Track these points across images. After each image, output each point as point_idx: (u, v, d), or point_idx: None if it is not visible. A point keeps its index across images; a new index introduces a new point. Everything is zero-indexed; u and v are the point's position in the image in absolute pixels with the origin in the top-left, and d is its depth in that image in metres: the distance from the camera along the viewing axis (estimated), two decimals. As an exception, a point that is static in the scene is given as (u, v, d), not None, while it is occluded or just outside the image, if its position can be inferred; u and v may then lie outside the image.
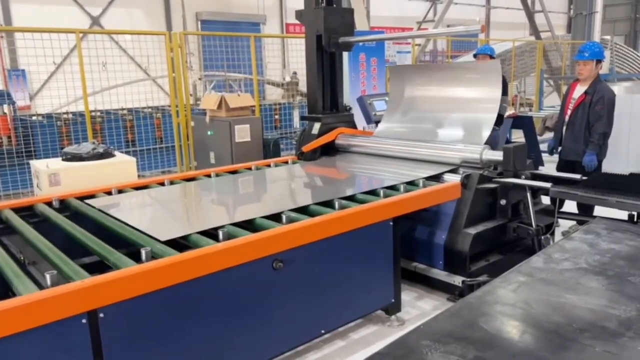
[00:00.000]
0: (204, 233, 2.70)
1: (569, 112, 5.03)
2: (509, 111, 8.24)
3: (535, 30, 15.46)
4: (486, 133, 4.20)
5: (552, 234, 3.95)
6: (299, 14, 5.12)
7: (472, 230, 3.78)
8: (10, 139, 7.00)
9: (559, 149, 5.19)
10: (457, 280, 3.73)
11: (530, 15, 15.45)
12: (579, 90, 4.99)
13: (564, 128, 5.08)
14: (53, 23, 9.72)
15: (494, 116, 4.28)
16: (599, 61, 4.90)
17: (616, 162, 6.94)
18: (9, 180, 6.65)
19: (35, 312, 1.96)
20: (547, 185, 3.67)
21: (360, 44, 6.65)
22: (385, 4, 17.11)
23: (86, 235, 2.75)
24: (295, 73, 11.47)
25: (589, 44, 5.08)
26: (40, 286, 2.15)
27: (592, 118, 4.80)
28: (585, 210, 4.66)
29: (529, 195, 3.83)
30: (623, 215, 3.21)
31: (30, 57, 6.78)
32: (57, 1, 11.90)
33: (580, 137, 4.89)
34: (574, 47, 15.11)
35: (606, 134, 4.84)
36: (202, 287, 2.45)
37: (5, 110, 7.11)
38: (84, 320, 2.09)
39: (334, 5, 5.02)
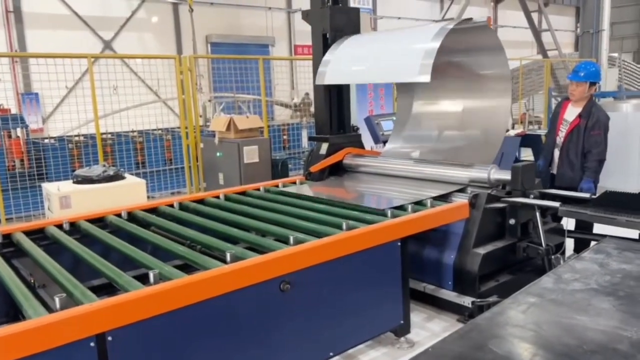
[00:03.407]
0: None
1: (560, 133, 4.71)
2: (518, 129, 8.23)
3: (542, 49, 15.51)
4: (494, 152, 4.20)
5: (563, 253, 3.91)
6: (305, 14, 5.14)
7: (482, 250, 3.75)
8: (23, 162, 7.10)
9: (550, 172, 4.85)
10: (467, 301, 3.69)
11: (537, 34, 15.51)
12: (572, 111, 4.66)
13: (556, 151, 4.76)
14: (66, 47, 9.95)
15: (501, 137, 4.29)
16: (592, 83, 4.56)
17: (626, 180, 6.90)
18: (21, 202, 6.73)
19: (44, 336, 1.97)
20: (556, 204, 3.65)
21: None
22: (392, 25, 17.29)
23: (95, 258, 2.77)
24: (307, 94, 11.57)
25: (585, 63, 4.73)
26: (50, 309, 2.17)
27: (589, 144, 4.50)
28: (583, 229, 4.46)
29: (538, 214, 3.80)
30: (632, 233, 3.18)
31: (43, 81, 6.93)
32: (70, 26, 12.17)
33: (577, 163, 4.57)
34: (582, 65, 15.08)
35: (603, 160, 4.55)
36: (210, 309, 2.44)
37: (19, 134, 7.22)
38: (92, 344, 2.09)
39: (340, 5, 5.07)
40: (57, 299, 2.15)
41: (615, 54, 16.75)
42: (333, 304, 3.00)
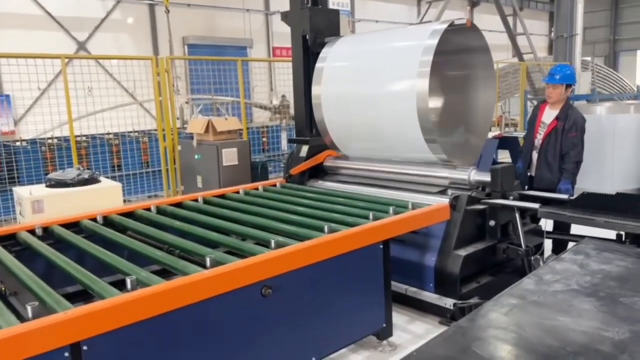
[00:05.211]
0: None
1: (538, 136, 4.76)
2: (495, 132, 8.32)
3: (518, 52, 15.74)
4: (478, 151, 4.24)
5: (542, 254, 3.95)
6: (284, 16, 5.11)
7: (462, 252, 3.76)
8: (-7, 166, 6.89)
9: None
10: (449, 303, 3.70)
11: (512, 37, 15.74)
12: (549, 114, 4.73)
13: (534, 153, 4.80)
14: (39, 48, 9.70)
15: (485, 136, 4.34)
16: (568, 85, 4.64)
17: (601, 182, 7.03)
18: (-9, 207, 6.54)
19: (16, 347, 1.89)
20: (535, 205, 3.68)
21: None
22: (370, 28, 17.36)
23: (69, 264, 2.68)
24: (284, 96, 11.52)
25: (560, 66, 4.80)
26: (22, 318, 2.08)
27: (566, 145, 4.55)
28: (561, 230, 4.52)
29: (517, 215, 3.83)
30: (609, 234, 3.22)
31: (14, 82, 6.75)
32: (43, 27, 11.89)
33: (555, 166, 4.62)
34: (556, 69, 15.37)
35: (580, 161, 4.62)
36: (190, 316, 2.39)
37: (-12, 137, 7.02)
38: (66, 354, 2.02)
39: (320, 6, 5.05)
40: (29, 308, 2.06)
41: (588, 58, 17.14)
42: (315, 308, 2.97)
